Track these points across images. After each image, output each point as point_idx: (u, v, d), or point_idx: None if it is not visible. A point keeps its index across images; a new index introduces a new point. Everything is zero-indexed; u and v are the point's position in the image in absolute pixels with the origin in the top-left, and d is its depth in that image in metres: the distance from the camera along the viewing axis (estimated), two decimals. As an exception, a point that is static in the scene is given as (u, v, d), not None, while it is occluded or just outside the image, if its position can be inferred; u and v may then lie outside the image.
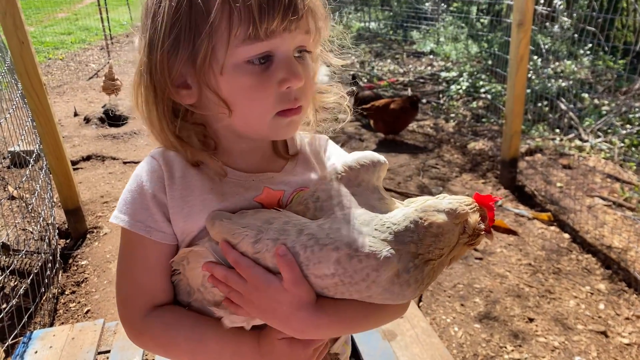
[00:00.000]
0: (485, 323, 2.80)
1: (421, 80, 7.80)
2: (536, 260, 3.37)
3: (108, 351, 2.26)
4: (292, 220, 0.82)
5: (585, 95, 6.07)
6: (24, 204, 3.88)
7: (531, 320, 2.81)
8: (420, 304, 2.96)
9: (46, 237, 3.18)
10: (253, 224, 0.82)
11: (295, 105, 0.85)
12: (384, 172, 0.93)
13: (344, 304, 0.81)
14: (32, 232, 3.40)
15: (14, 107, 2.87)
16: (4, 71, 2.99)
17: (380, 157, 0.92)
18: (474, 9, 9.40)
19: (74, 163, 4.78)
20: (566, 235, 3.65)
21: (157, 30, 0.80)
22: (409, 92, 7.15)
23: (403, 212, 0.83)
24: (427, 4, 10.37)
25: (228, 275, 0.84)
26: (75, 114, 6.20)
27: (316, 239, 0.78)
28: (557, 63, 6.88)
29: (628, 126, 5.30)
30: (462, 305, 2.95)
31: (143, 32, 0.85)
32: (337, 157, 1.04)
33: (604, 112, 5.62)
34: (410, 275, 0.77)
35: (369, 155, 0.91)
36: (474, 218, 0.83)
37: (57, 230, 3.50)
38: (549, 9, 6.52)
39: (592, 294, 3.03)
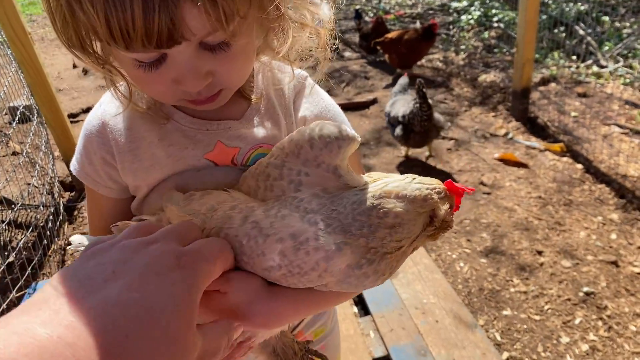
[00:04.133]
0: (491, 258, 2.75)
1: (430, 12, 7.40)
2: (547, 192, 3.27)
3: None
4: (238, 205, 0.75)
5: (606, 17, 5.68)
6: (27, 159, 3.88)
7: (539, 253, 2.76)
8: (426, 241, 2.91)
9: (47, 190, 3.18)
10: (198, 210, 0.75)
11: (201, 98, 0.74)
12: (353, 149, 0.78)
13: (303, 290, 0.73)
14: (36, 186, 3.40)
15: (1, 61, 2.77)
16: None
17: (351, 132, 0.75)
18: None
19: (74, 115, 4.72)
20: (579, 166, 3.51)
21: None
22: (417, 25, 6.80)
23: (357, 196, 0.72)
24: None
25: None
26: (74, 66, 6.08)
27: (260, 228, 0.70)
28: (576, -16, 6.42)
29: (650, 48, 4.98)
30: (468, 240, 2.90)
31: None
32: (310, 107, 0.91)
33: (625, 35, 5.27)
34: (365, 270, 0.69)
35: (335, 129, 0.75)
36: (444, 208, 0.72)
37: (60, 184, 3.50)
38: None
39: (604, 224, 2.94)
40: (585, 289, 2.48)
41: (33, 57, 3.14)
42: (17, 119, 3.14)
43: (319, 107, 0.92)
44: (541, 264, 2.67)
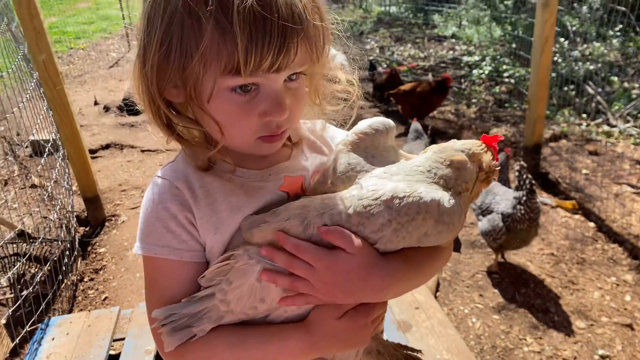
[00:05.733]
0: (504, 314, 2.72)
1: (442, 65, 7.62)
2: (559, 249, 3.26)
3: (123, 338, 2.27)
4: (329, 196, 0.84)
5: (615, 78, 5.82)
6: (44, 192, 3.95)
7: (553, 311, 2.73)
8: (438, 294, 2.90)
9: (64, 225, 3.22)
10: (293, 213, 0.82)
11: (277, 133, 0.84)
12: (394, 133, 0.97)
13: (406, 251, 0.83)
14: (52, 220, 3.45)
15: (27, 96, 2.89)
16: (18, 59, 3.00)
17: (389, 120, 0.96)
18: (497, -10, 9.11)
19: (93, 151, 4.83)
20: (591, 224, 3.52)
21: (150, 39, 0.78)
22: (430, 77, 6.99)
23: (424, 157, 0.89)
24: (449, -14, 10.11)
25: (293, 262, 0.80)
26: (96, 103, 6.27)
27: (359, 197, 0.81)
28: (584, 45, 6.62)
29: (660, 110, 5.07)
30: (480, 295, 2.88)
31: (138, 33, 0.82)
32: (341, 135, 1.03)
33: (634, 96, 5.39)
34: (453, 204, 0.82)
35: (379, 119, 0.95)
36: (488, 156, 0.90)
37: (76, 218, 3.55)
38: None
39: (617, 285, 2.92)
40: (601, 351, 2.44)
41: (62, 96, 3.27)
42: (45, 154, 3.22)
43: (344, 133, 1.04)
44: (555, 324, 2.64)
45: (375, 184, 0.82)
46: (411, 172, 0.85)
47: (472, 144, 0.90)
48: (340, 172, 0.88)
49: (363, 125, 0.93)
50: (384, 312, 0.93)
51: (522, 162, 2.92)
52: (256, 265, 0.82)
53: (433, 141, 3.53)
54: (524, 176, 2.79)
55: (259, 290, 0.83)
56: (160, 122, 0.86)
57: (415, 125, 4.04)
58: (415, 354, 1.04)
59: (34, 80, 3.11)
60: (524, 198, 2.78)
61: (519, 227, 2.80)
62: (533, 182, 2.81)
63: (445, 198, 0.81)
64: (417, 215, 0.79)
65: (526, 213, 2.77)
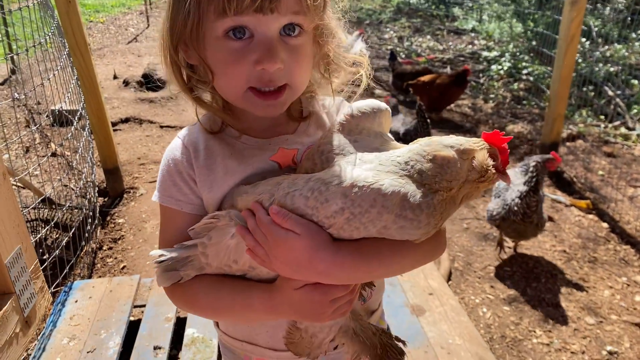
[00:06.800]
0: (514, 306, 2.76)
1: (461, 59, 7.58)
2: (571, 247, 3.29)
3: (143, 305, 2.34)
4: (300, 176, 0.87)
5: (635, 81, 5.78)
6: (65, 161, 4.01)
7: (563, 307, 2.77)
8: (450, 282, 2.94)
9: (86, 194, 3.28)
10: (265, 189, 0.87)
11: (270, 87, 0.86)
12: (386, 118, 0.95)
13: (364, 241, 0.83)
14: (73, 189, 3.51)
15: (61, 65, 2.92)
16: (52, 30, 3.04)
17: (381, 103, 0.94)
18: (522, -15, 9.01)
19: (112, 124, 4.86)
20: (605, 225, 3.54)
21: (167, 5, 0.88)
22: (448, 69, 6.97)
23: (408, 147, 0.85)
24: (471, -20, 10.00)
25: (255, 229, 0.87)
26: (115, 77, 6.31)
27: (322, 180, 0.81)
28: (606, 46, 6.56)
29: (679, 116, 5.04)
30: (491, 287, 2.92)
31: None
32: None
33: (655, 100, 5.36)
34: (421, 202, 0.77)
35: (369, 102, 0.93)
36: (482, 154, 0.82)
37: (96, 188, 3.61)
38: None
39: (628, 285, 2.95)
40: (609, 347, 2.49)
41: (89, 67, 3.31)
42: (73, 124, 3.26)
43: None
44: (564, 318, 2.68)
45: (342, 170, 0.81)
46: (386, 162, 0.82)
47: (467, 141, 0.84)
48: (323, 152, 0.89)
49: (352, 106, 0.94)
50: (351, 296, 0.91)
51: (538, 159, 2.93)
52: (234, 227, 0.89)
53: (422, 118, 3.79)
54: (534, 173, 2.83)
55: (233, 251, 0.90)
56: (180, 82, 0.94)
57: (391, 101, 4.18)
58: (398, 343, 1.04)
59: (66, 51, 3.14)
60: (524, 194, 2.84)
61: (512, 219, 2.89)
62: (540, 181, 2.84)
63: (413, 193, 0.78)
64: (371, 208, 0.77)
65: (521, 208, 2.84)
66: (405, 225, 0.78)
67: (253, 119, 0.98)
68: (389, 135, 0.94)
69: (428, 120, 3.84)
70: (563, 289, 2.90)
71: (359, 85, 1.02)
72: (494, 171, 0.82)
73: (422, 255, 0.90)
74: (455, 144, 0.82)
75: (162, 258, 0.93)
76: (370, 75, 1.01)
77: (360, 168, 0.81)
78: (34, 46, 2.68)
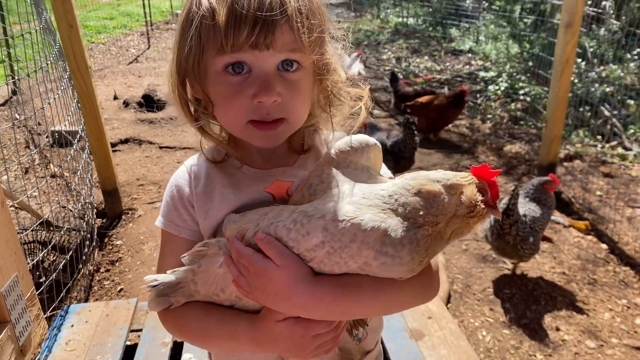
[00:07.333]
0: (514, 330, 2.74)
1: (458, 79, 7.66)
2: (570, 269, 3.28)
3: (140, 330, 2.32)
4: (287, 207, 0.87)
5: (631, 101, 5.83)
6: (64, 182, 4.02)
7: (563, 330, 2.74)
8: (449, 305, 2.92)
9: (85, 216, 3.28)
10: (253, 218, 0.88)
11: (268, 119, 0.88)
12: (376, 152, 0.95)
13: (346, 277, 0.82)
14: (71, 211, 3.51)
15: (62, 88, 2.95)
16: (54, 53, 3.08)
17: (370, 139, 0.95)
18: (517, 8, 9.15)
19: (112, 145, 4.89)
20: (604, 246, 3.54)
21: (175, 40, 0.93)
22: (445, 90, 7.03)
23: (393, 182, 0.85)
24: (467, 1, 10.16)
25: (238, 262, 0.88)
26: (115, 98, 6.36)
27: (304, 212, 0.81)
28: (602, 67, 6.64)
29: (675, 136, 5.08)
30: (491, 309, 2.90)
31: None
32: None
33: (650, 120, 5.40)
34: (403, 236, 0.76)
35: (358, 137, 0.94)
36: (470, 189, 0.80)
37: (95, 210, 3.61)
38: (596, 10, 6.28)
39: (628, 307, 2.93)
40: (610, 372, 2.46)
41: (90, 89, 3.35)
42: (73, 145, 3.28)
43: None
44: (565, 342, 2.66)
45: (325, 204, 0.81)
46: (369, 196, 0.81)
47: (454, 175, 0.82)
48: (311, 186, 0.90)
49: (342, 141, 0.94)
50: (335, 333, 0.89)
51: (535, 182, 3.05)
52: (222, 256, 0.90)
53: (410, 130, 3.91)
54: (510, 196, 2.85)
55: (220, 280, 0.91)
56: (188, 115, 0.97)
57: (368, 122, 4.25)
58: None
59: (67, 74, 3.17)
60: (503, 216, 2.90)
61: (489, 239, 3.05)
62: (515, 203, 2.85)
63: (395, 227, 0.76)
64: (350, 243, 0.76)
65: (494, 228, 2.96)
66: (387, 261, 0.76)
67: (254, 150, 1.01)
68: (375, 171, 0.94)
69: (415, 132, 3.96)
70: (563, 312, 2.88)
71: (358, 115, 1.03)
72: (483, 206, 0.80)
73: (409, 295, 0.88)
74: (442, 179, 0.81)
75: (155, 283, 0.94)
76: (370, 108, 1.02)
77: (343, 202, 0.81)
78: (36, 71, 2.71)
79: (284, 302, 0.84)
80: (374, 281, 0.81)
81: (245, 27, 0.80)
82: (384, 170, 1.05)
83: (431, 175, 0.82)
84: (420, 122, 5.54)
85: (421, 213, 0.78)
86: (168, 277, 0.95)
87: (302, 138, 1.05)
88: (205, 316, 0.95)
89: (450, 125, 5.79)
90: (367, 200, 0.80)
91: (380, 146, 0.96)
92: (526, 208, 3.02)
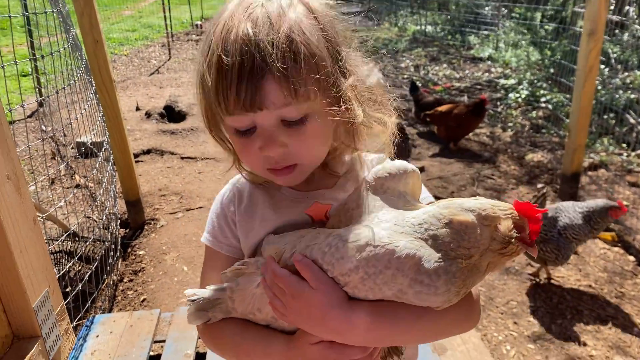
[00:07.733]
0: (540, 344, 2.69)
1: (478, 87, 7.60)
2: (597, 282, 3.20)
3: (163, 340, 2.34)
4: (323, 230, 0.88)
5: (657, 109, 5.70)
6: (88, 193, 4.10)
7: (590, 345, 2.68)
8: (471, 318, 2.88)
9: (109, 226, 3.33)
10: (291, 240, 0.89)
11: (278, 167, 0.90)
12: (414, 179, 0.94)
13: (383, 304, 0.80)
14: (96, 221, 3.58)
15: (89, 102, 3.02)
16: (81, 68, 3.16)
17: (409, 165, 0.94)
18: (538, 15, 9.06)
19: (135, 156, 4.98)
20: (631, 258, 3.45)
21: (197, 76, 0.92)
22: (465, 98, 6.98)
23: (424, 209, 0.83)
24: (487, 9, 10.10)
25: (273, 284, 0.89)
26: (137, 109, 6.48)
27: (340, 236, 0.81)
28: (626, 73, 6.51)
29: None
30: (515, 323, 2.85)
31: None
32: None
33: (678, 128, 5.26)
34: (437, 267, 0.73)
35: (397, 164, 0.93)
36: (506, 224, 0.76)
37: (118, 220, 3.67)
38: (619, 16, 6.18)
39: (658, 322, 2.85)
40: (640, 390, 2.39)
41: (114, 102, 3.42)
42: (99, 156, 3.35)
43: None
44: (592, 358, 2.59)
45: (360, 228, 0.81)
46: (401, 223, 0.79)
47: (492, 205, 0.77)
48: (348, 210, 0.91)
49: (380, 167, 0.94)
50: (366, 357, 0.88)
51: (600, 204, 2.94)
52: (259, 276, 0.92)
53: (403, 134, 3.77)
54: (538, 200, 3.03)
55: (257, 299, 0.92)
56: (226, 149, 1.00)
57: None
58: None
59: (93, 88, 3.25)
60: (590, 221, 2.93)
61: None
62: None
63: (428, 257, 0.74)
64: (385, 269, 0.75)
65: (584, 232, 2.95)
66: (422, 290, 0.75)
67: None
68: (412, 197, 0.93)
69: (408, 137, 3.99)
70: (590, 326, 2.82)
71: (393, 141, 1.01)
72: (517, 244, 0.76)
73: (447, 324, 0.86)
74: (477, 208, 0.77)
75: (194, 297, 0.97)
76: (395, 135, 0.99)
77: (377, 227, 0.80)
78: (64, 88, 2.78)
79: (317, 325, 0.84)
80: (412, 309, 0.80)
81: (232, 92, 0.81)
82: (425, 195, 1.02)
83: (465, 204, 0.78)
84: (440, 131, 5.50)
85: (452, 246, 0.75)
86: (207, 292, 0.97)
87: (340, 161, 1.05)
88: (241, 333, 0.97)
89: (470, 134, 5.74)
90: (399, 227, 0.79)
91: (419, 172, 0.95)
92: (571, 216, 2.94)
